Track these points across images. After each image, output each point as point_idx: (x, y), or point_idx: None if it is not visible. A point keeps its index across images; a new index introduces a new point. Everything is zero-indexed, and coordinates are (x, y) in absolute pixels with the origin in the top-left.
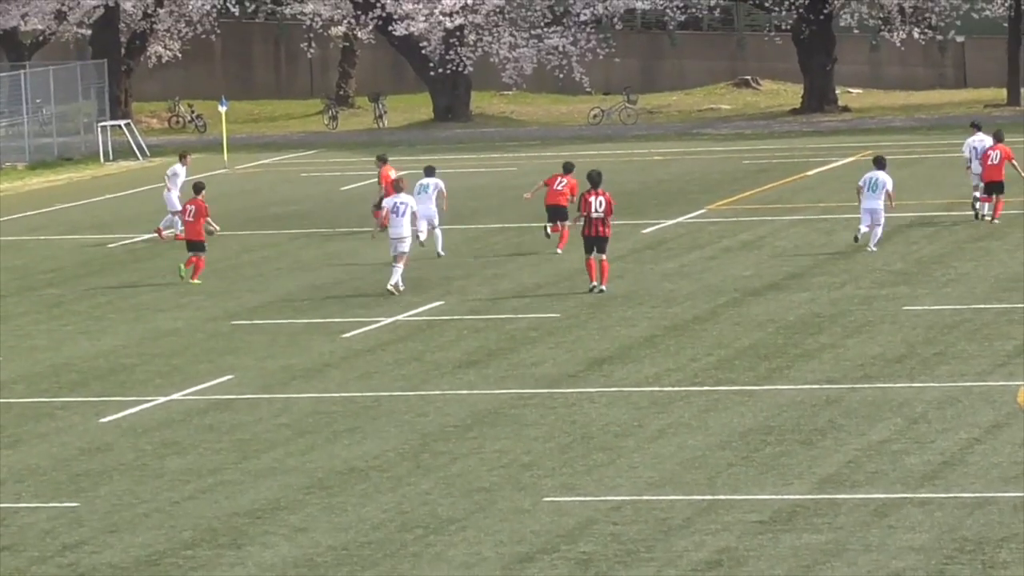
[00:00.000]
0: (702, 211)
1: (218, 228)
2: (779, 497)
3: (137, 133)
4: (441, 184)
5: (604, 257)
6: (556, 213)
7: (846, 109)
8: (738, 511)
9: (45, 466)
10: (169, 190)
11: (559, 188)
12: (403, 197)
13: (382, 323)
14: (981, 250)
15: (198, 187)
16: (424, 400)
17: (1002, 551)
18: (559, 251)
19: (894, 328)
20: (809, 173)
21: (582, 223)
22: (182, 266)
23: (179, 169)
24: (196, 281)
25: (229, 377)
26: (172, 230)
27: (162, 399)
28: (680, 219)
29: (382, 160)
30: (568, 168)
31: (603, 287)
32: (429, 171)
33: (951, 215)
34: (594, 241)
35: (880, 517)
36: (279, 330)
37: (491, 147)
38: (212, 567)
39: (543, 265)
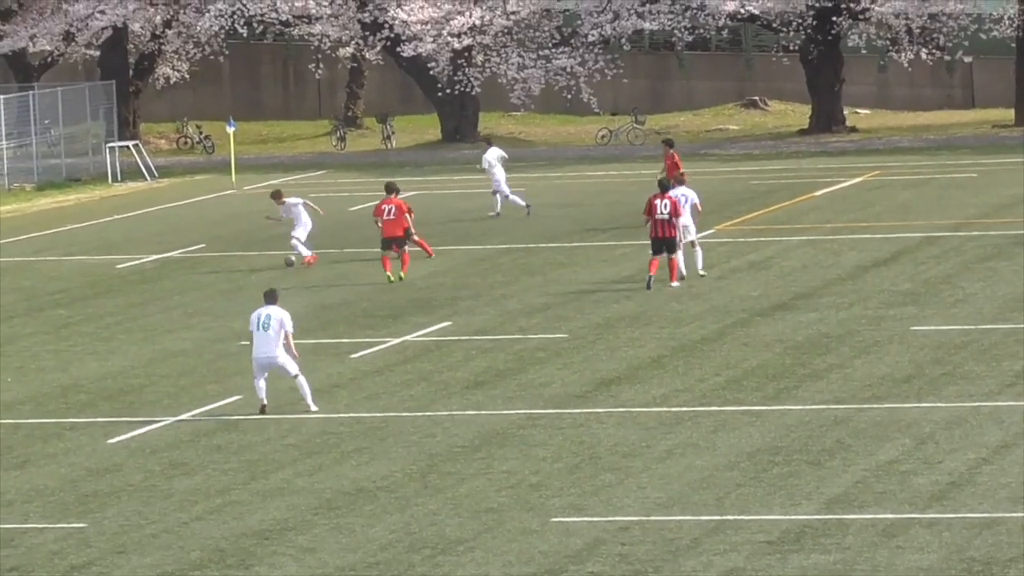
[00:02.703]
0: (710, 231)
1: (414, 233)
2: (787, 517)
3: (145, 154)
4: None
5: (674, 256)
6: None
7: (854, 130)
8: (746, 531)
9: (53, 487)
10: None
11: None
12: (684, 189)
13: (390, 344)
14: (989, 270)
15: (391, 187)
16: (432, 421)
17: (1010, 571)
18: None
19: (902, 348)
20: (817, 193)
21: (649, 225)
22: (388, 274)
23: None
24: (403, 275)
25: (237, 398)
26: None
27: (170, 420)
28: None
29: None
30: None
31: (673, 283)
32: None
33: (959, 235)
34: (662, 242)
35: (888, 538)
36: None
37: None
38: None
39: (550, 285)
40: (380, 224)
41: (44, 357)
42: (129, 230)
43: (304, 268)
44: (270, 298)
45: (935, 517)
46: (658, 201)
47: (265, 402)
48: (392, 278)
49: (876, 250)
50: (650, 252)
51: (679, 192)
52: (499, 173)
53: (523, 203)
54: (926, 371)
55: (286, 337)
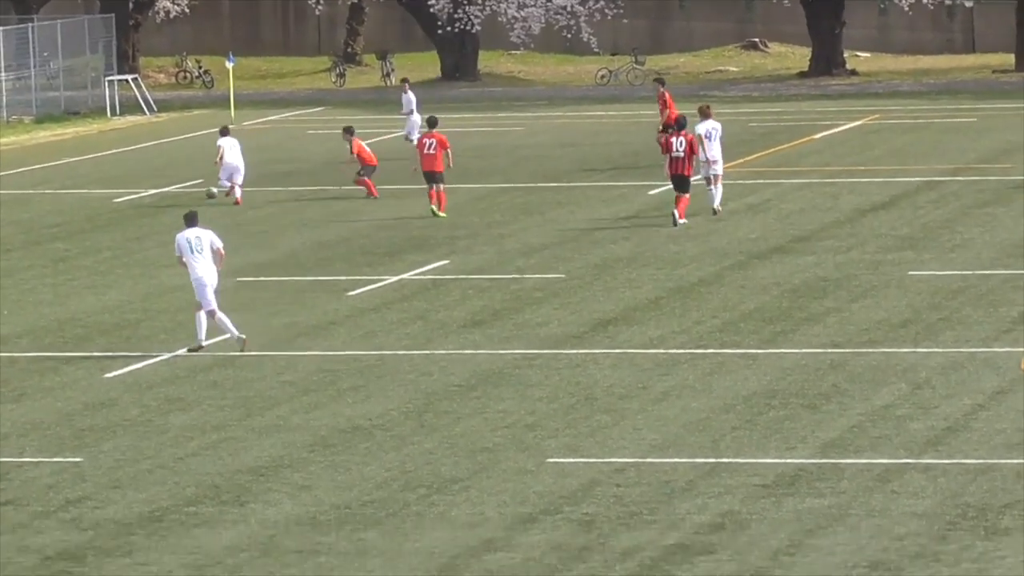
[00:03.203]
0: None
1: (451, 165)
2: (782, 461)
3: (144, 88)
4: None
5: (687, 195)
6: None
7: (854, 73)
8: (741, 475)
9: (49, 421)
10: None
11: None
12: (712, 123)
13: (387, 282)
14: (987, 216)
15: (433, 121)
16: (428, 359)
17: (1004, 517)
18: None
19: (899, 293)
20: (816, 137)
21: (666, 162)
22: (432, 207)
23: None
24: (443, 214)
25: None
26: None
27: (167, 355)
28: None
29: (350, 132)
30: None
31: (682, 220)
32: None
33: (957, 180)
34: (678, 179)
35: (883, 482)
36: (284, 287)
37: (498, 106)
38: (215, 523)
39: (548, 225)
40: (420, 158)
41: (41, 291)
42: (127, 164)
43: (294, 204)
44: (192, 220)
45: (930, 462)
46: (674, 139)
47: (204, 343)
48: (437, 212)
49: (874, 194)
50: (673, 190)
51: (708, 126)
52: (416, 118)
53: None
54: (923, 316)
55: (219, 254)
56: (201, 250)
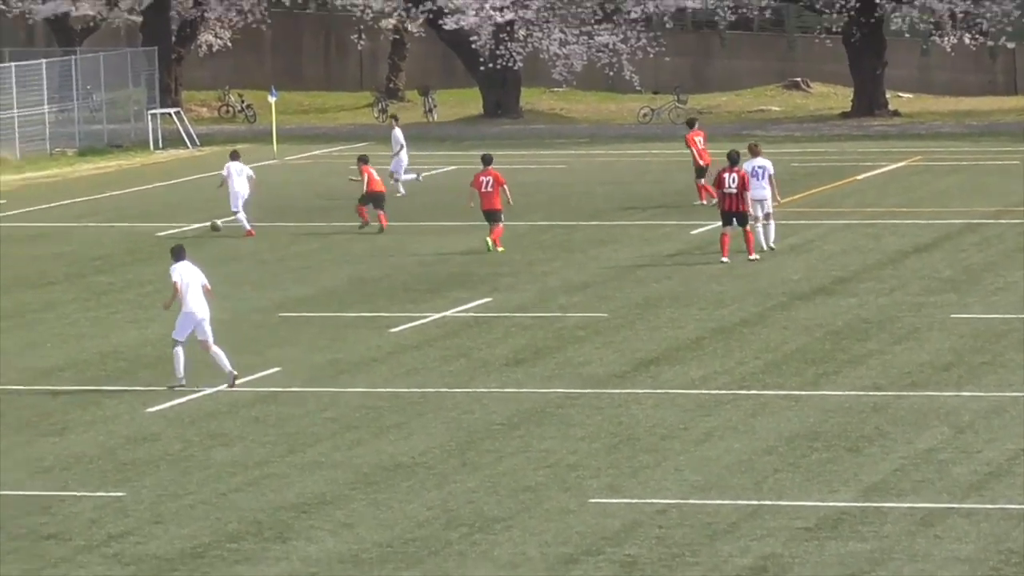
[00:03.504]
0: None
1: (511, 202)
2: (825, 504)
3: (187, 122)
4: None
5: (747, 228)
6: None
7: (896, 113)
8: (784, 517)
9: (92, 454)
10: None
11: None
12: (761, 161)
13: (430, 318)
14: None
15: (488, 159)
16: (471, 397)
17: None
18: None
19: (942, 336)
20: (858, 177)
21: (717, 200)
22: (488, 240)
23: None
24: (501, 249)
25: (276, 369)
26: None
27: (209, 390)
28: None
29: (364, 161)
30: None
31: (751, 256)
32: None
33: (1000, 223)
34: (732, 215)
35: (926, 526)
36: (326, 323)
37: (540, 144)
38: (257, 560)
39: (591, 263)
40: (479, 197)
41: (84, 324)
42: (170, 197)
43: (337, 239)
44: (180, 255)
45: (973, 507)
46: (726, 175)
47: (184, 381)
48: (493, 247)
49: (917, 235)
50: (722, 225)
51: (756, 163)
52: (404, 155)
53: (412, 176)
54: (966, 359)
55: (207, 291)
56: (192, 284)
